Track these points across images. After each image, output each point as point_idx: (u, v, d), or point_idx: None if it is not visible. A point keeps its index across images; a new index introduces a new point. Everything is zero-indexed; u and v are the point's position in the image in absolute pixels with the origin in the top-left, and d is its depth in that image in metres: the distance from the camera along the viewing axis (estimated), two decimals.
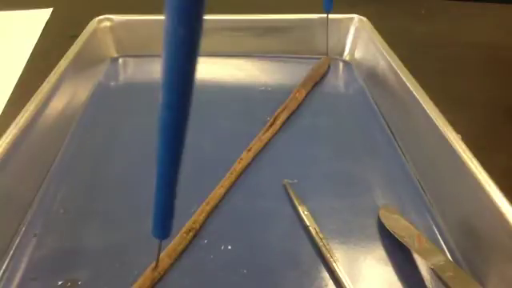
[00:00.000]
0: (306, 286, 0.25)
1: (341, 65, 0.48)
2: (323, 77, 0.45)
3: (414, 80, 0.35)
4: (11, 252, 0.26)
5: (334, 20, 0.47)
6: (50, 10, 0.62)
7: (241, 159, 0.33)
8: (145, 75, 0.46)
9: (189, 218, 0.28)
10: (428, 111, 0.32)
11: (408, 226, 0.27)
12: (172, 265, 0.25)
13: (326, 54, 0.48)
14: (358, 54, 0.47)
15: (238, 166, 0.32)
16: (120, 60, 0.48)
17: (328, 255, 0.26)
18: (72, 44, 0.42)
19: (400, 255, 0.26)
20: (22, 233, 0.28)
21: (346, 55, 0.49)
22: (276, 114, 0.38)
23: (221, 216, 0.29)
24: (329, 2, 0.45)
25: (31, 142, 0.31)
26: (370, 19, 0.47)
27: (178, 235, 0.27)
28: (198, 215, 0.28)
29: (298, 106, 0.40)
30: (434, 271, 0.24)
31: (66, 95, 0.38)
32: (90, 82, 0.43)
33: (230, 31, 0.48)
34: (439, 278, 0.24)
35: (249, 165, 0.33)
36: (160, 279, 0.25)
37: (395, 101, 0.38)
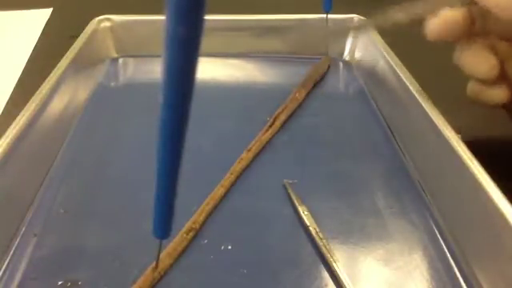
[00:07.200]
0: (305, 286, 0.25)
1: (341, 65, 0.48)
2: (323, 77, 0.45)
3: (413, 80, 0.35)
4: (11, 252, 0.26)
5: (333, 20, 0.47)
6: (50, 10, 0.62)
7: (241, 159, 0.33)
8: (145, 75, 0.46)
9: (189, 218, 0.28)
10: (428, 111, 0.32)
11: None
12: (172, 265, 0.25)
13: (326, 54, 0.48)
14: (357, 54, 0.47)
15: (237, 166, 0.32)
16: (120, 60, 0.48)
17: (328, 255, 0.26)
18: (72, 44, 0.42)
19: (400, 255, 0.26)
20: (21, 233, 0.28)
21: (346, 55, 0.48)
22: (276, 114, 0.38)
23: (221, 216, 0.29)
24: (328, 2, 0.45)
25: (31, 142, 0.31)
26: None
27: (178, 235, 0.27)
28: (198, 215, 0.28)
29: (298, 106, 0.40)
30: None
31: (66, 95, 0.38)
32: (90, 82, 0.43)
33: (229, 31, 0.48)
34: None
35: (249, 165, 0.33)
36: (160, 279, 0.25)
37: (395, 101, 0.38)
